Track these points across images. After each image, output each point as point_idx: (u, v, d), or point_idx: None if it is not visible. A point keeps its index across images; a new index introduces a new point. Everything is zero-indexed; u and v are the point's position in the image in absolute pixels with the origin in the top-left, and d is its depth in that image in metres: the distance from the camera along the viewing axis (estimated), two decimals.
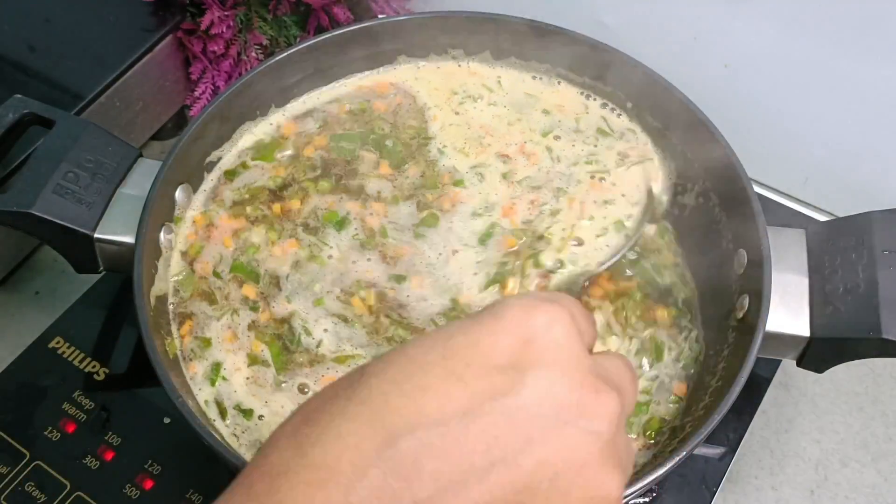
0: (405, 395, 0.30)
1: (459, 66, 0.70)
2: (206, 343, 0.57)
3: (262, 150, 0.65)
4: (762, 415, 0.65)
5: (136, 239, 0.55)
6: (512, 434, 0.29)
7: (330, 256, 0.60)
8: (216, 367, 0.56)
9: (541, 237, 0.61)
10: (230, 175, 0.64)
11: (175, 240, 0.60)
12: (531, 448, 0.29)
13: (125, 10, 0.75)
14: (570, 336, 0.32)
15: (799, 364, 0.55)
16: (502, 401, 0.30)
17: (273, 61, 0.64)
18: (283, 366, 0.56)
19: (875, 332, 0.50)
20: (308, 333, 0.57)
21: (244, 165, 0.65)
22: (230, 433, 0.54)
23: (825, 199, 0.77)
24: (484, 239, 0.61)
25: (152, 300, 0.56)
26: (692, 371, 0.57)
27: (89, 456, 0.59)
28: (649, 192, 0.63)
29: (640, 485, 0.46)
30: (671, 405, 0.56)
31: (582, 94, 0.68)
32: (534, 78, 0.69)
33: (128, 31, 0.74)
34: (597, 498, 0.31)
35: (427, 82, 0.69)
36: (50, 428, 0.61)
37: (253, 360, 0.56)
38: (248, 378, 0.56)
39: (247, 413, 0.54)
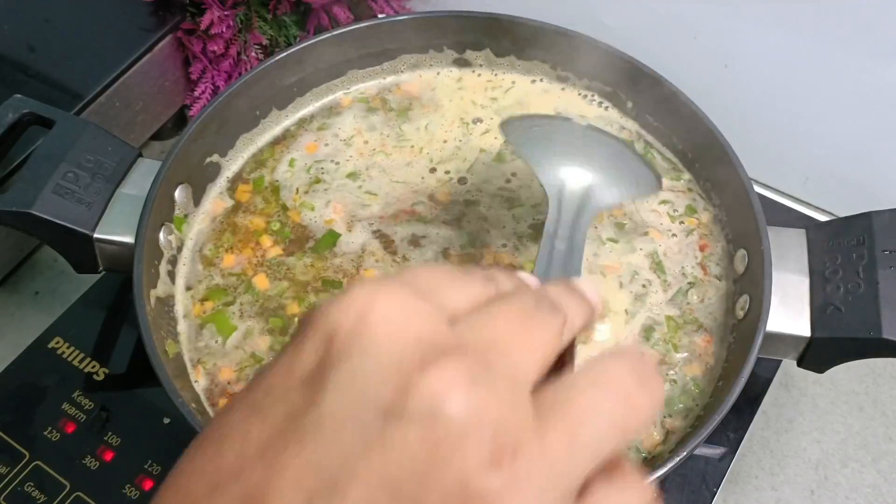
0: (204, 455, 0.24)
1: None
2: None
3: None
4: (762, 415, 0.65)
5: (136, 239, 0.55)
6: (332, 448, 0.22)
7: None
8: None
9: None
10: None
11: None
12: (353, 469, 0.22)
13: (125, 9, 0.75)
14: (392, 322, 0.23)
15: (799, 364, 0.55)
16: (300, 422, 0.22)
17: (273, 61, 0.64)
18: None
19: (876, 332, 0.50)
20: None
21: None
22: None
23: (826, 199, 0.77)
24: None
25: (152, 300, 0.56)
26: None
27: (89, 456, 0.59)
28: None
29: None
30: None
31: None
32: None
33: (127, 30, 0.74)
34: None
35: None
36: (49, 428, 0.60)
37: (258, 360, 0.56)
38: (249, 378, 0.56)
39: None
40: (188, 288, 0.59)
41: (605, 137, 0.58)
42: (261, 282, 0.59)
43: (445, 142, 0.66)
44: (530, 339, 0.25)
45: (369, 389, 0.22)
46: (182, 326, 0.58)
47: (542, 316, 0.26)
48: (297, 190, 0.64)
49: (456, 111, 0.68)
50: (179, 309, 0.58)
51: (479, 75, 0.70)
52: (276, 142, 0.67)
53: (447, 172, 0.65)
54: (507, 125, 0.56)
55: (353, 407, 0.22)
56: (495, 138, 0.66)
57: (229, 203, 0.63)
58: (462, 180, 0.64)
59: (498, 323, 0.25)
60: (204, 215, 0.63)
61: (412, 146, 0.66)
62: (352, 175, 0.64)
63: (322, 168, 0.65)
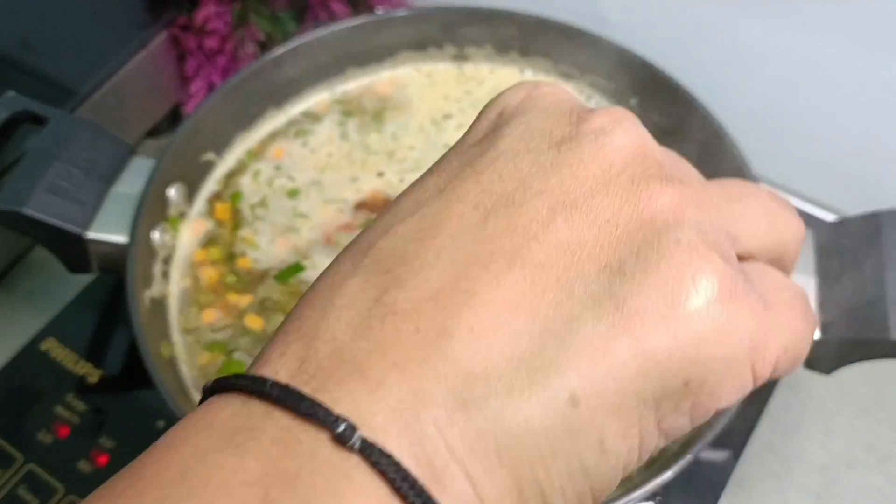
0: (381, 218, 0.25)
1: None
2: None
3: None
4: (768, 418, 0.64)
5: (129, 239, 0.54)
6: (510, 172, 0.24)
7: None
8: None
9: None
10: None
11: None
12: (539, 178, 0.24)
13: (119, 5, 0.74)
14: (559, 94, 0.27)
15: (806, 366, 0.54)
16: (478, 161, 0.25)
17: (270, 57, 0.63)
18: None
19: (883, 334, 0.49)
20: None
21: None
22: None
23: (832, 199, 0.76)
24: None
25: (146, 301, 0.55)
26: None
27: (83, 459, 0.59)
28: None
29: (643, 490, 0.46)
30: None
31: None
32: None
33: (121, 27, 0.73)
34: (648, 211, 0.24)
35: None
36: (43, 431, 0.60)
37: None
38: None
39: None
40: (186, 332, 0.57)
41: None
42: (254, 322, 0.57)
43: (412, 148, 0.65)
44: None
45: (543, 128, 0.26)
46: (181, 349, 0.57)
47: None
48: (245, 217, 0.61)
49: (428, 109, 0.67)
50: (174, 319, 0.57)
51: (459, 69, 0.69)
52: (257, 147, 0.65)
53: (402, 180, 0.63)
54: None
55: (529, 141, 0.25)
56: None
57: (209, 225, 0.62)
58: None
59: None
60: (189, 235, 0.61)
61: (374, 156, 0.64)
62: (292, 193, 0.62)
63: (273, 185, 0.63)
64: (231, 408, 0.22)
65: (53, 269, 0.71)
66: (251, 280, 0.58)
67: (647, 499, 0.57)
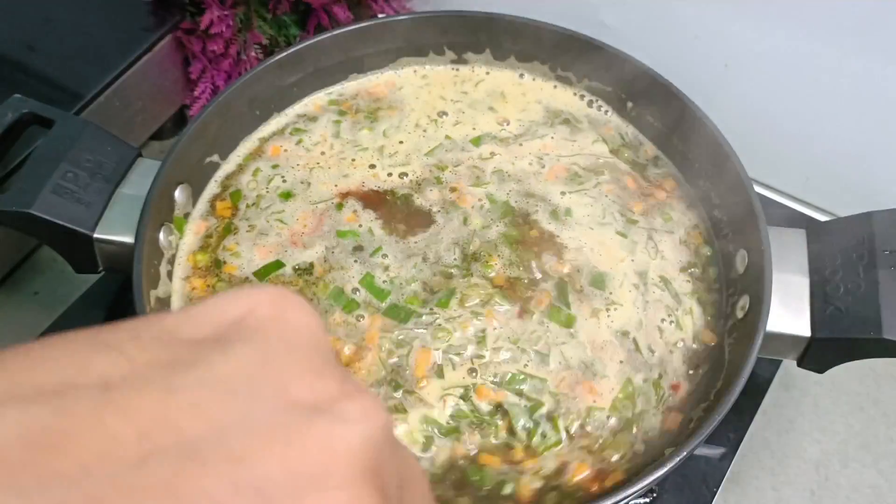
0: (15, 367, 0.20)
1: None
2: None
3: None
4: (763, 415, 0.65)
5: (136, 239, 0.54)
6: (203, 416, 0.19)
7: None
8: None
9: None
10: None
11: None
12: (231, 445, 0.18)
13: (124, 9, 0.75)
14: (313, 329, 0.23)
15: (800, 364, 0.55)
16: (179, 374, 0.19)
17: (273, 60, 0.64)
18: None
19: (876, 332, 0.50)
20: None
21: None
22: None
23: (826, 200, 0.77)
24: None
25: (152, 300, 0.55)
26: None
27: None
28: None
29: (641, 485, 0.46)
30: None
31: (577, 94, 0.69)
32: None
33: (127, 30, 0.74)
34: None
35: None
36: None
37: None
38: None
39: None
40: None
41: None
42: None
43: (402, 142, 0.66)
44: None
45: (282, 373, 0.21)
46: None
47: None
48: (242, 219, 0.62)
49: (422, 108, 0.68)
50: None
51: (456, 70, 0.70)
52: (257, 148, 0.66)
53: (390, 175, 0.64)
54: None
55: (258, 380, 0.20)
56: (471, 128, 0.67)
57: (211, 223, 0.62)
58: (402, 175, 0.64)
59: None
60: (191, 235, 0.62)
61: (364, 152, 0.65)
62: (285, 196, 0.63)
63: (269, 185, 0.64)
64: None
65: (60, 269, 0.72)
66: (239, 284, 0.59)
67: (644, 495, 0.58)
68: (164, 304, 0.57)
